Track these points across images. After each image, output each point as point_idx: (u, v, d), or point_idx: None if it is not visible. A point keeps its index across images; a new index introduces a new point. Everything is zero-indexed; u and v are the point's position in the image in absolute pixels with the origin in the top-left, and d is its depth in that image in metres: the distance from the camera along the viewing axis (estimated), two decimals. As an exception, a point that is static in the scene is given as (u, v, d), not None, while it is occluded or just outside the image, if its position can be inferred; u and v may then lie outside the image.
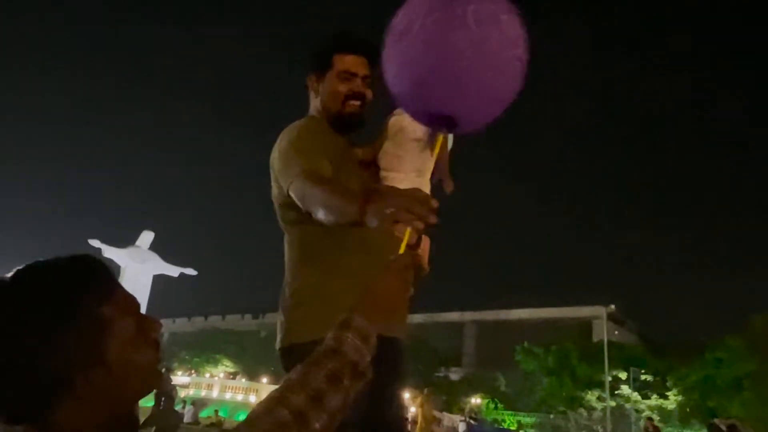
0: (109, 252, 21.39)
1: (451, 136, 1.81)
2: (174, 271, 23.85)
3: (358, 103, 1.84)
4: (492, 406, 29.49)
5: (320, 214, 1.50)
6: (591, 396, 25.69)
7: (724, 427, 12.27)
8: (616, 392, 24.83)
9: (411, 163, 1.81)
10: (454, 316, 47.61)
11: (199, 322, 53.12)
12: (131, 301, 0.86)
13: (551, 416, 27.55)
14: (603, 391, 24.43)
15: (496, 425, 26.36)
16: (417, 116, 1.42)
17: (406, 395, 16.76)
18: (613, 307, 28.73)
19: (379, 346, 1.01)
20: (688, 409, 23.69)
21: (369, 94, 1.85)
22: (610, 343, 24.72)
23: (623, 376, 25.00)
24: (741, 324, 21.90)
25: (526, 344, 28.60)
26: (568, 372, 26.00)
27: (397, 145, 1.83)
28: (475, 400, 29.96)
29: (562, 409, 26.78)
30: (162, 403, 11.18)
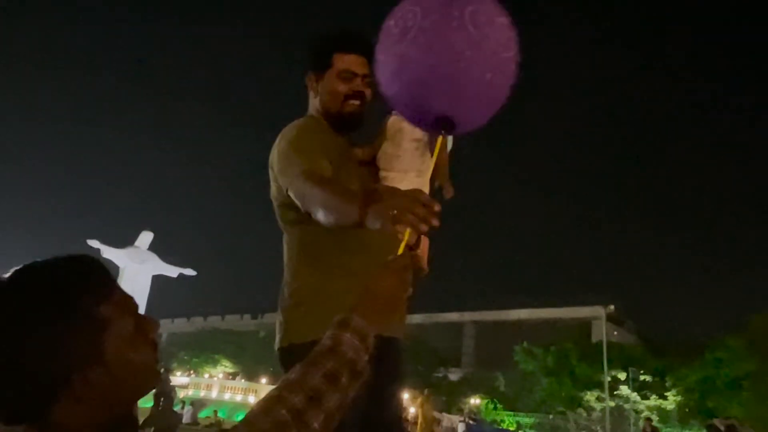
0: (108, 252, 21.37)
1: (450, 137, 1.80)
2: (173, 271, 23.84)
3: (357, 102, 1.83)
4: (491, 406, 29.46)
5: (320, 215, 1.50)
6: (590, 396, 25.68)
7: (722, 428, 12.26)
8: (615, 392, 24.81)
9: (410, 163, 1.81)
10: (453, 316, 47.61)
11: (198, 322, 53.09)
12: (129, 301, 0.87)
13: (550, 416, 27.54)
14: (602, 391, 24.41)
15: (495, 426, 26.33)
16: (415, 118, 1.41)
17: (406, 395, 16.76)
18: (612, 307, 28.75)
19: (378, 345, 1.02)
20: (687, 410, 23.68)
21: (369, 93, 1.84)
22: (609, 343, 24.73)
23: (622, 376, 24.99)
24: (740, 324, 21.92)
25: (525, 344, 28.59)
26: (567, 372, 25.99)
27: (396, 145, 1.82)
28: (475, 401, 29.95)
29: (561, 409, 26.77)
30: (161, 403, 11.18)
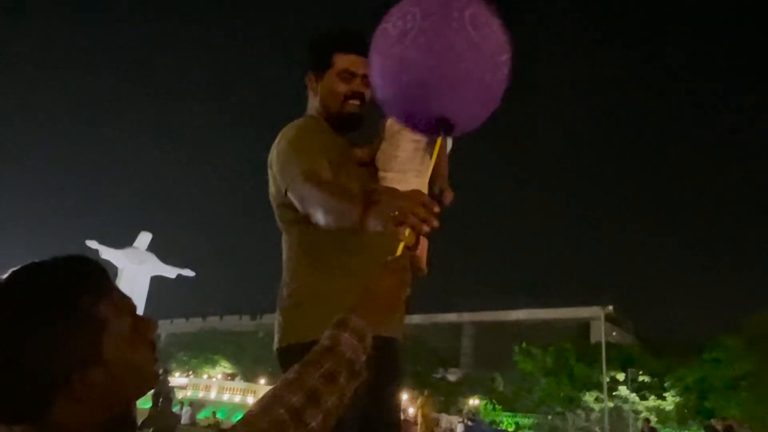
0: (107, 253, 21.37)
1: (450, 139, 1.80)
2: (172, 272, 23.83)
3: (357, 102, 1.83)
4: (490, 406, 29.46)
5: (319, 217, 1.49)
6: (589, 397, 25.70)
7: (720, 428, 12.28)
8: (613, 393, 24.85)
9: (409, 164, 1.81)
10: (452, 316, 47.61)
11: (196, 322, 53.03)
12: (127, 302, 0.87)
13: (549, 417, 27.56)
14: (601, 391, 24.44)
15: (493, 426, 26.35)
16: (412, 120, 1.41)
17: (405, 396, 16.75)
18: (610, 307, 28.82)
19: (377, 346, 1.02)
20: (685, 410, 23.72)
21: (369, 93, 1.84)
22: (607, 343, 24.74)
23: (621, 376, 25.02)
24: (738, 324, 21.95)
25: (524, 345, 28.62)
26: (565, 373, 26.03)
27: (394, 145, 1.82)
28: (473, 401, 29.98)
29: (559, 409, 26.79)
30: (159, 404, 11.18)
